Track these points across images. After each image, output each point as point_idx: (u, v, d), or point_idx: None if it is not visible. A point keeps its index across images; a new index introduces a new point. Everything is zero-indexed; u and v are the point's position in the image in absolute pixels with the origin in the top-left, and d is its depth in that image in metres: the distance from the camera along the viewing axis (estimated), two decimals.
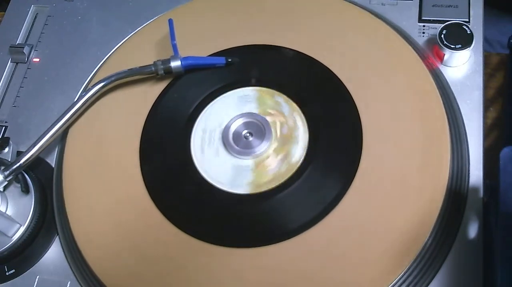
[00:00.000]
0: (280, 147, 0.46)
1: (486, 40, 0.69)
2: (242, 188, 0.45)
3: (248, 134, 0.47)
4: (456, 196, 0.43)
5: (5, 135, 0.53)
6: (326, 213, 0.43)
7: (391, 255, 0.40)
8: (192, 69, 0.51)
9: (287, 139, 0.47)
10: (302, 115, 0.48)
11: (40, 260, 0.47)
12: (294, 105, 0.48)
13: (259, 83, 0.50)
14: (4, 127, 0.54)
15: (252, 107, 0.49)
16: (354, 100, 0.47)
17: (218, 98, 0.50)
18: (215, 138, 0.48)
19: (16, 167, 0.46)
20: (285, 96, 0.49)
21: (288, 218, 0.43)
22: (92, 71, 0.55)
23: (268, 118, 0.48)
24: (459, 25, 0.48)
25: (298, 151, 0.46)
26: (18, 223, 0.46)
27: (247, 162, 0.46)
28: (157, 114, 0.50)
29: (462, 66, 0.49)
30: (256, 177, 0.45)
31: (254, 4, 0.55)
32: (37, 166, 0.50)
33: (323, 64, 0.49)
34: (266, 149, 0.46)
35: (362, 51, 0.50)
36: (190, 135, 0.49)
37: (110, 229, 0.45)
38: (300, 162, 0.45)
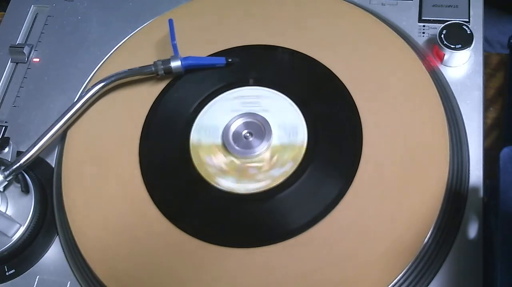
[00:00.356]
0: (280, 147, 0.46)
1: (486, 40, 0.69)
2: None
3: (248, 134, 0.47)
4: (456, 196, 0.43)
5: (5, 135, 0.53)
6: (326, 213, 0.43)
7: (391, 255, 0.40)
8: (192, 69, 0.51)
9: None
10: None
11: (40, 260, 0.47)
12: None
13: (259, 83, 0.50)
14: (4, 127, 0.54)
15: (251, 107, 0.49)
16: (354, 100, 0.47)
17: (218, 98, 0.50)
18: (215, 138, 0.48)
19: (16, 167, 0.46)
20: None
21: (288, 218, 0.43)
22: (92, 71, 0.55)
23: (267, 117, 0.48)
24: (459, 25, 0.48)
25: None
26: (18, 223, 0.46)
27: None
28: (157, 114, 0.50)
29: (462, 66, 0.49)
30: (256, 177, 0.45)
31: (254, 4, 0.55)
32: (37, 166, 0.50)
33: (323, 65, 0.49)
34: (266, 148, 0.46)
35: (362, 51, 0.50)
36: (190, 135, 0.48)
37: (110, 229, 0.45)
38: (300, 160, 0.45)
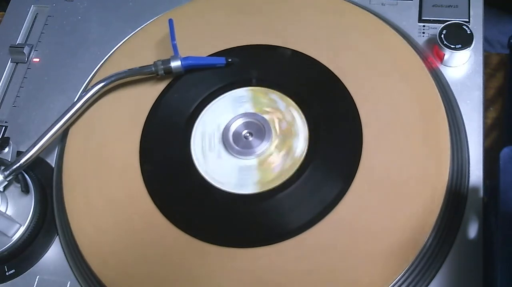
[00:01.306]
0: (282, 143, 0.46)
1: (487, 40, 0.69)
2: (246, 187, 0.45)
3: (248, 134, 0.47)
4: (456, 196, 0.43)
5: (5, 135, 0.53)
6: (326, 213, 0.43)
7: (391, 255, 0.40)
8: (192, 69, 0.51)
9: (287, 134, 0.47)
10: (299, 110, 0.48)
11: (40, 260, 0.47)
12: (290, 100, 0.48)
13: (259, 83, 0.50)
14: (4, 127, 0.54)
15: (249, 107, 0.49)
16: (354, 100, 0.47)
17: (217, 98, 0.50)
18: (215, 139, 0.48)
19: (16, 167, 0.46)
20: (279, 93, 0.49)
21: (288, 218, 0.43)
22: (92, 71, 0.55)
23: (266, 116, 0.48)
24: (459, 25, 0.48)
25: (299, 148, 0.46)
26: (18, 223, 0.46)
27: (250, 161, 0.46)
28: (157, 114, 0.50)
29: (462, 66, 0.49)
30: (262, 175, 0.45)
31: (254, 4, 0.55)
32: (37, 166, 0.50)
33: (323, 64, 0.49)
34: (267, 147, 0.46)
35: (362, 51, 0.50)
36: (190, 135, 0.48)
37: (110, 229, 0.45)
38: (302, 158, 0.45)
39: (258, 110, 0.48)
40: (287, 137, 0.47)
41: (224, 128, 0.48)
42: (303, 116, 0.47)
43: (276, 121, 0.48)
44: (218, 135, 0.48)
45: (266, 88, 0.49)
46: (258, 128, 0.47)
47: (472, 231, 0.42)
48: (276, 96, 0.49)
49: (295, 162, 0.45)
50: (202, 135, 0.48)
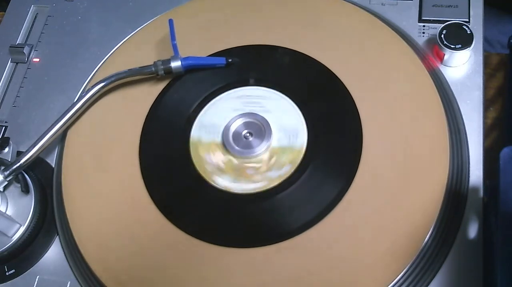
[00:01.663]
0: (279, 149, 0.46)
1: (487, 40, 0.69)
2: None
3: (248, 134, 0.47)
4: (456, 196, 0.43)
5: (5, 135, 0.53)
6: (326, 213, 0.43)
7: (391, 255, 0.40)
8: (192, 69, 0.51)
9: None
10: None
11: (40, 260, 0.47)
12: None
13: (259, 83, 0.50)
14: (4, 127, 0.54)
15: (248, 107, 0.49)
16: (354, 100, 0.47)
17: (217, 98, 0.50)
18: (215, 139, 0.48)
19: (16, 167, 0.46)
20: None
21: (287, 218, 0.43)
22: (92, 71, 0.55)
23: (267, 117, 0.48)
24: (459, 25, 0.48)
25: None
26: (18, 223, 0.46)
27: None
28: (157, 114, 0.50)
29: (462, 66, 0.49)
30: (253, 177, 0.45)
31: (254, 4, 0.55)
32: (37, 166, 0.50)
33: (323, 65, 0.49)
34: (266, 148, 0.46)
35: (362, 51, 0.50)
36: (190, 135, 0.48)
37: (110, 229, 0.45)
38: (298, 164, 0.45)
39: (248, 109, 0.48)
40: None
41: (224, 128, 0.48)
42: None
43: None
44: (218, 135, 0.48)
45: (266, 88, 0.49)
46: (258, 128, 0.47)
47: (472, 231, 0.42)
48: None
49: (295, 163, 0.45)
50: (202, 134, 0.48)
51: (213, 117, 0.49)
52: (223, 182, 0.46)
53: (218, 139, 0.48)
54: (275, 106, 0.48)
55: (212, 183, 0.46)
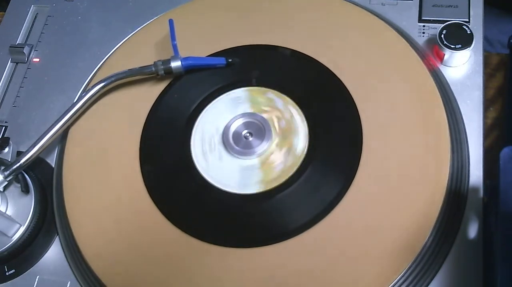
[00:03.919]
0: (282, 141, 0.46)
1: (487, 40, 0.69)
2: (247, 187, 0.45)
3: (248, 134, 0.47)
4: (456, 196, 0.43)
5: (5, 135, 0.53)
6: (326, 213, 0.43)
7: (391, 255, 0.40)
8: (192, 69, 0.51)
9: (287, 132, 0.47)
10: (299, 110, 0.48)
11: (40, 260, 0.47)
12: (290, 100, 0.48)
13: (259, 83, 0.50)
14: (4, 127, 0.54)
15: (248, 107, 0.49)
16: (354, 100, 0.47)
17: (218, 99, 0.50)
18: (215, 140, 0.48)
19: (16, 167, 0.46)
20: (280, 93, 0.49)
21: (288, 218, 0.43)
22: (92, 71, 0.55)
23: (265, 116, 0.48)
24: (459, 25, 0.48)
25: (300, 148, 0.46)
26: (18, 223, 0.46)
27: (252, 161, 0.46)
28: (157, 115, 0.50)
29: (462, 66, 0.49)
30: (264, 175, 0.45)
31: (254, 4, 0.55)
32: (37, 166, 0.50)
33: (323, 64, 0.49)
34: (267, 147, 0.46)
35: (362, 51, 0.50)
36: (190, 135, 0.48)
37: (110, 229, 0.45)
38: (302, 158, 0.45)
39: (257, 110, 0.48)
40: (287, 136, 0.47)
41: (224, 128, 0.48)
42: (303, 117, 0.47)
43: (275, 120, 0.48)
44: (218, 135, 0.48)
45: (266, 88, 0.49)
46: (258, 128, 0.47)
47: (472, 231, 0.42)
48: (276, 96, 0.49)
49: (295, 162, 0.45)
50: (202, 135, 0.48)
51: (213, 118, 0.49)
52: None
53: (218, 139, 0.48)
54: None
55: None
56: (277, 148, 0.46)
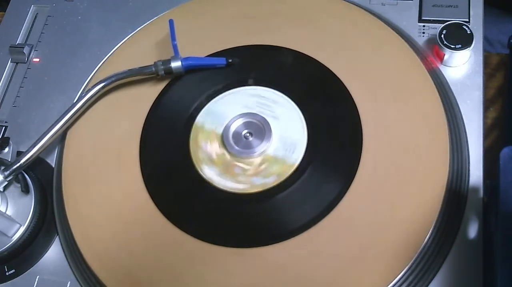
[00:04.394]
0: (272, 158, 0.46)
1: (487, 40, 0.69)
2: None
3: (248, 134, 0.47)
4: (456, 196, 0.43)
5: (5, 135, 0.53)
6: (326, 213, 0.43)
7: (391, 255, 0.40)
8: (193, 69, 0.51)
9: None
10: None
11: (40, 260, 0.47)
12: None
13: (259, 83, 0.50)
14: (4, 127, 0.54)
15: (248, 107, 0.49)
16: (354, 100, 0.47)
17: (217, 98, 0.50)
18: (215, 139, 0.48)
19: (16, 167, 0.46)
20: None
21: (288, 217, 0.43)
22: (92, 71, 0.55)
23: (267, 117, 0.48)
24: (459, 25, 0.48)
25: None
26: (18, 223, 0.46)
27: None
28: (157, 115, 0.50)
29: (462, 66, 0.49)
30: (238, 178, 0.45)
31: (253, 4, 0.55)
32: (37, 166, 0.50)
33: (323, 64, 0.49)
34: (266, 148, 0.46)
35: (362, 51, 0.50)
36: (190, 135, 0.48)
37: (110, 229, 0.45)
38: (284, 178, 0.45)
39: (257, 110, 0.48)
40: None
41: (224, 128, 0.48)
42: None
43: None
44: (218, 135, 0.48)
45: (266, 88, 0.49)
46: (258, 128, 0.47)
47: (472, 231, 0.42)
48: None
49: (282, 175, 0.45)
50: (202, 135, 0.48)
51: (213, 118, 0.49)
52: (210, 173, 0.46)
53: (218, 139, 0.48)
54: (284, 114, 0.48)
55: (213, 183, 0.46)
56: (270, 157, 0.46)
